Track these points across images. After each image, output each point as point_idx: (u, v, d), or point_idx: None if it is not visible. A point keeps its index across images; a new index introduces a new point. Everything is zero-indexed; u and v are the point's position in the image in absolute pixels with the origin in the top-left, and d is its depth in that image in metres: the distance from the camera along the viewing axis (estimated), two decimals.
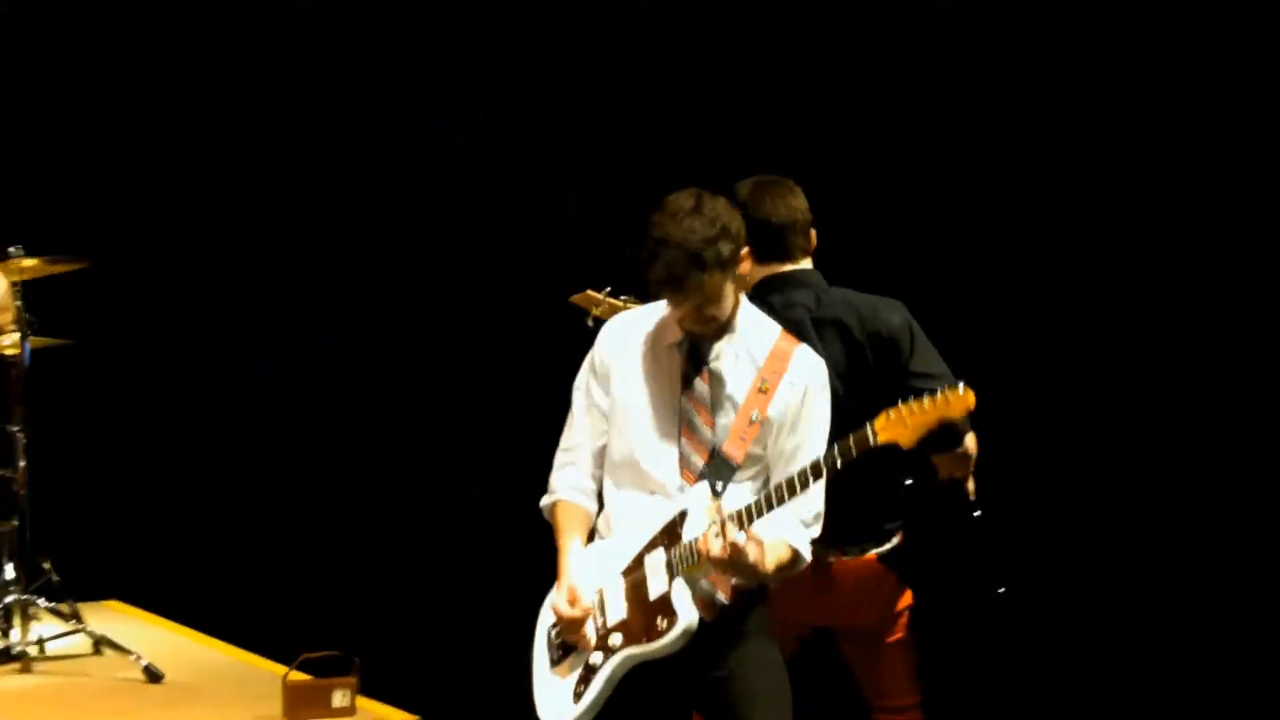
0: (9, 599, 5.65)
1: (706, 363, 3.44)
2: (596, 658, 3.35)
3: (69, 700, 5.24)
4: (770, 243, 3.91)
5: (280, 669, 5.26)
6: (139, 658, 5.51)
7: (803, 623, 4.01)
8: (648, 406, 3.48)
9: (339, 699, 5.00)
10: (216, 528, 7.26)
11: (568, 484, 3.56)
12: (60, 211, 6.81)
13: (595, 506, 3.55)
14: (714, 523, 3.24)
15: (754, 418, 3.37)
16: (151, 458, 7.35)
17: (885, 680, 4.08)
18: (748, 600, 3.39)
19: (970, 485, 3.98)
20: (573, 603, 3.39)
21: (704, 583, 3.33)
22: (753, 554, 3.20)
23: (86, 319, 6.45)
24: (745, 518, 3.24)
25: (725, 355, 3.43)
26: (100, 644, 5.68)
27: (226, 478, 7.31)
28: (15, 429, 5.69)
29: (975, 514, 3.97)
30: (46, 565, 5.91)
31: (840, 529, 3.74)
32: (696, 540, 3.27)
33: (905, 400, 3.16)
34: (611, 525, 3.50)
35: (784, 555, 3.32)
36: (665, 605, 3.29)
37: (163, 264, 7.35)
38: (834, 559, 3.91)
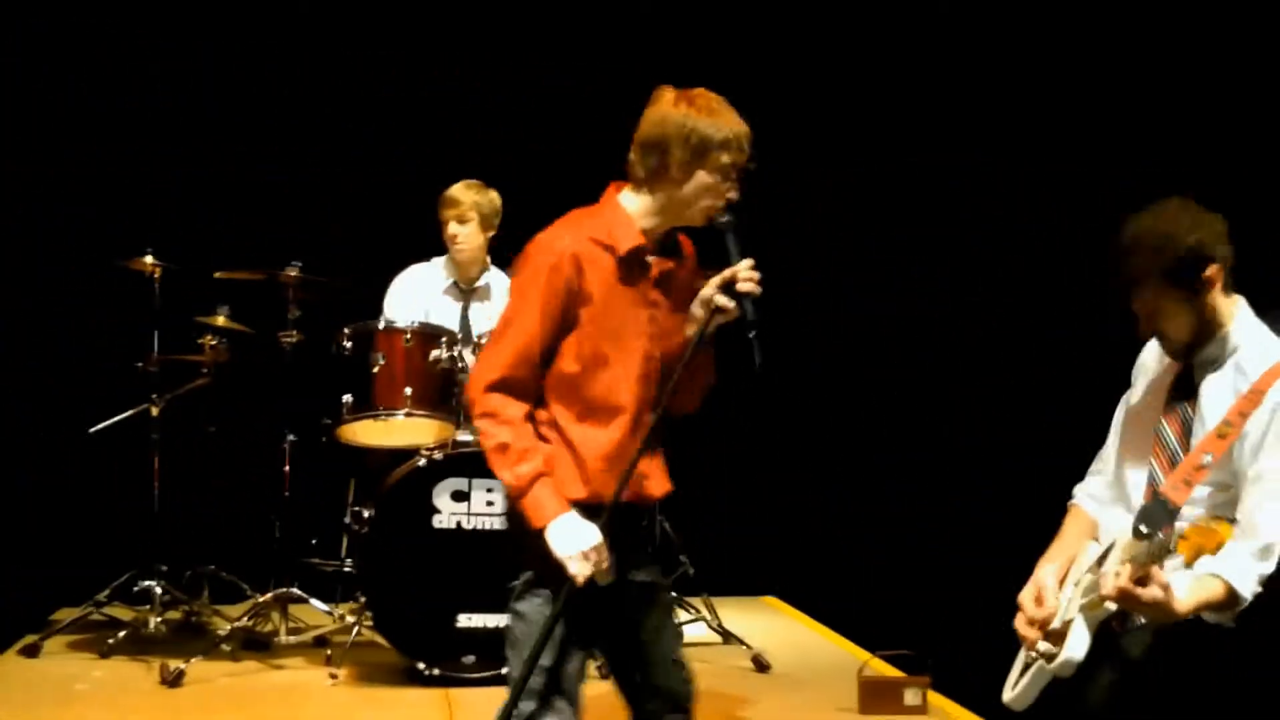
0: None
1: (1196, 387, 3.26)
2: (1029, 656, 3.31)
3: None
4: None
5: (890, 670, 5.41)
6: (750, 649, 5.84)
7: None
8: (1136, 421, 3.39)
9: (911, 697, 5.06)
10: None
11: (1085, 490, 3.52)
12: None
13: (1108, 516, 3.43)
14: (1124, 561, 3.06)
15: (1204, 461, 3.14)
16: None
17: None
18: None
19: None
20: (1036, 602, 3.32)
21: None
22: (1148, 597, 2.97)
23: None
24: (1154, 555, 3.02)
25: (1209, 383, 3.24)
26: (725, 635, 6.08)
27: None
28: None
29: None
30: (683, 559, 6.34)
31: None
32: (1102, 576, 3.11)
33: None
34: (1099, 536, 3.41)
35: (1212, 594, 3.04)
36: (1063, 633, 3.20)
37: None
38: None
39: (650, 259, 3.33)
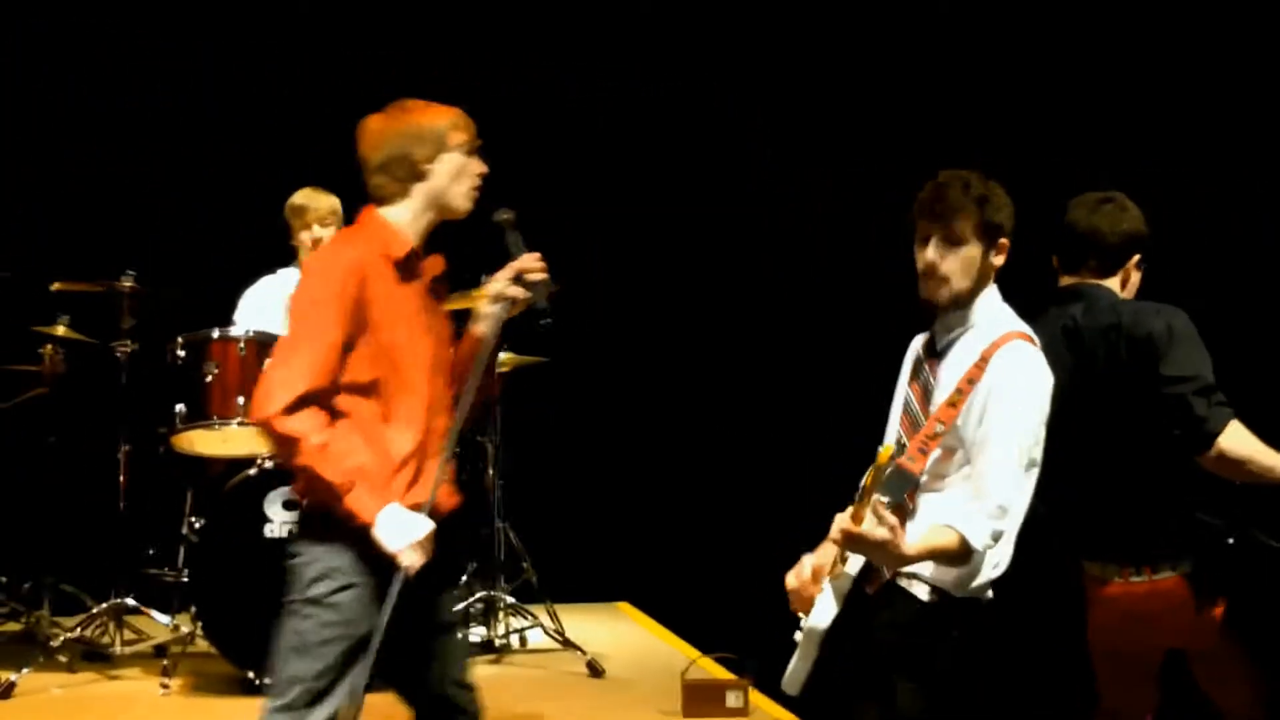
0: (478, 595, 6.24)
1: (937, 353, 3.36)
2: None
3: (510, 688, 5.67)
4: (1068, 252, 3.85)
5: (722, 673, 5.47)
6: (585, 654, 5.92)
7: (1135, 650, 3.77)
8: (899, 394, 3.48)
9: (733, 699, 5.14)
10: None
11: None
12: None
13: None
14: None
15: (937, 430, 3.23)
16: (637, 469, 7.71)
17: (1229, 705, 3.76)
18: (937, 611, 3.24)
19: None
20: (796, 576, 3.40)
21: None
22: (873, 535, 3.02)
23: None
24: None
25: (950, 351, 3.34)
26: (564, 642, 6.14)
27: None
28: (484, 439, 6.26)
29: None
30: (526, 565, 6.39)
31: (1138, 546, 3.56)
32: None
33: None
34: None
35: (944, 541, 3.11)
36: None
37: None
38: (1121, 579, 3.67)
39: (423, 263, 3.47)
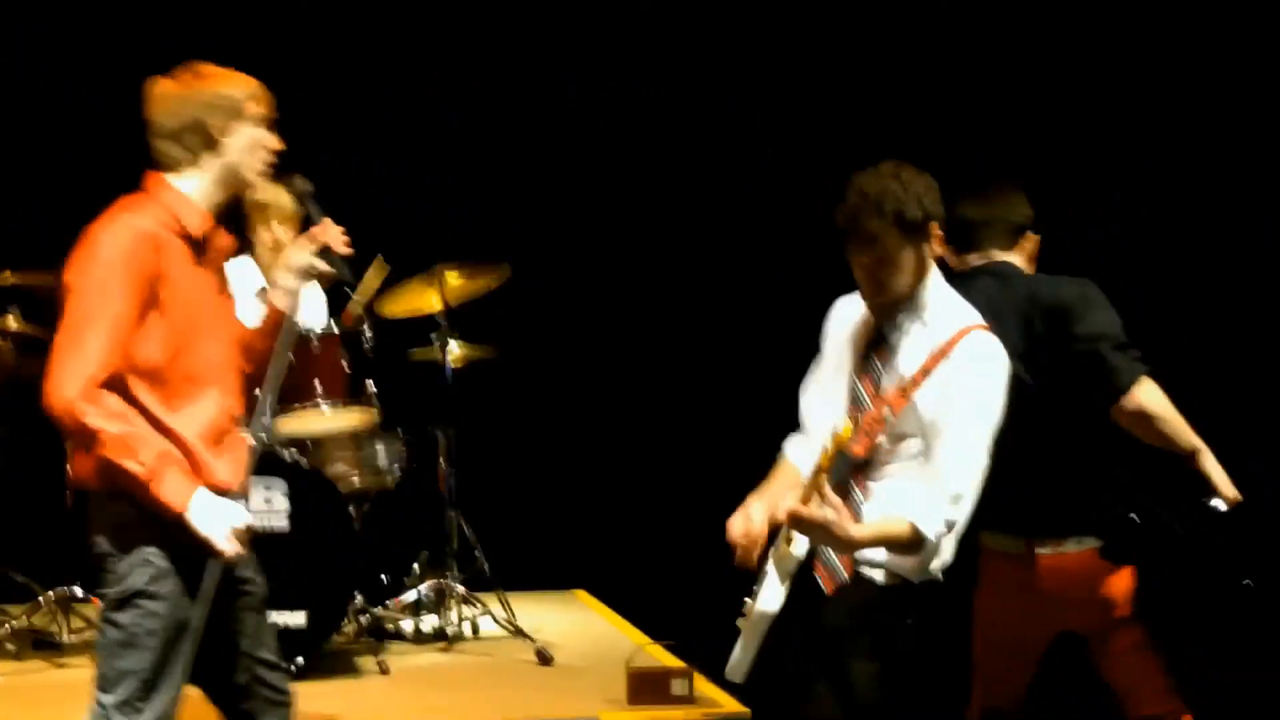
0: (426, 584, 6.27)
1: (887, 344, 3.37)
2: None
3: (458, 676, 5.75)
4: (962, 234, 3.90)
5: (671, 660, 5.48)
6: (534, 642, 5.94)
7: (1030, 629, 3.79)
8: (832, 379, 3.51)
9: (678, 687, 5.14)
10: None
11: (791, 444, 3.61)
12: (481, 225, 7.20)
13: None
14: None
15: (884, 415, 3.26)
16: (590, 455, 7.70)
17: (1131, 685, 3.78)
18: (893, 596, 3.26)
19: (1216, 475, 3.64)
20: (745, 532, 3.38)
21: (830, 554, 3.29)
22: (819, 516, 3.06)
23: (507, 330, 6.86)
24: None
25: (901, 341, 3.36)
26: (514, 630, 6.16)
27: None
28: (438, 431, 6.27)
29: (1217, 506, 3.62)
30: (478, 554, 6.39)
31: (1048, 519, 3.57)
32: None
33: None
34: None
35: (894, 529, 3.16)
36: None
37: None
38: (1046, 551, 3.69)
39: (216, 239, 3.39)
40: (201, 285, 3.32)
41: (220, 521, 3.18)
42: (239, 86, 3.34)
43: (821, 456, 3.15)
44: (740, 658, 3.35)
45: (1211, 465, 3.67)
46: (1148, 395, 3.61)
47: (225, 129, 3.29)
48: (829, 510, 3.06)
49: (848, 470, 3.25)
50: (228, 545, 3.19)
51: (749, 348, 7.58)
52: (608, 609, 7.13)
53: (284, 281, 3.45)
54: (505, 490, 7.21)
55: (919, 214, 3.30)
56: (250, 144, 3.34)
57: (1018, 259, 3.90)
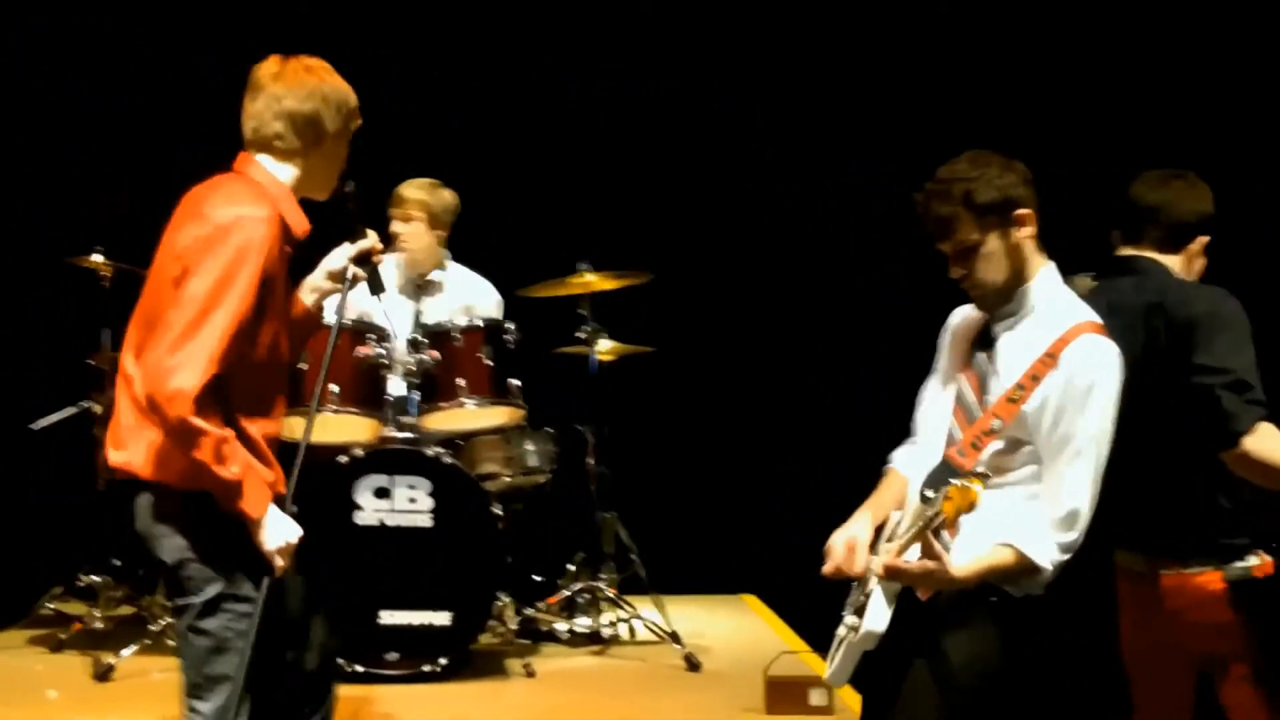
0: (578, 585, 6.18)
1: (994, 342, 3.17)
2: (841, 633, 3.25)
3: (599, 680, 5.66)
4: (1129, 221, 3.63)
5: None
6: (683, 647, 5.79)
7: (1162, 651, 3.53)
8: (941, 381, 3.31)
9: (816, 697, 4.97)
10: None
11: (900, 453, 3.41)
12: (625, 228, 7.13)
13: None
14: (909, 528, 3.01)
15: (993, 426, 3.06)
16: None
17: (1239, 717, 3.49)
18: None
19: None
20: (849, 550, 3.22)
21: None
22: (917, 569, 2.94)
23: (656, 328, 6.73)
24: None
25: (1006, 339, 3.16)
26: (669, 635, 6.00)
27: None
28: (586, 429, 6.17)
29: None
30: (634, 558, 6.28)
31: (1171, 540, 3.33)
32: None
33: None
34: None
35: (1000, 561, 2.98)
36: (865, 606, 3.11)
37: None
38: (1169, 573, 3.43)
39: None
40: (284, 292, 3.25)
41: (282, 538, 3.13)
42: (351, 94, 3.27)
43: (916, 514, 3.00)
44: (841, 666, 3.20)
45: None
46: (1259, 443, 3.28)
47: (335, 132, 3.22)
48: (927, 560, 2.94)
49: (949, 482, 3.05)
50: (280, 561, 3.14)
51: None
52: (774, 615, 6.96)
53: (322, 284, 3.37)
54: (668, 491, 7.09)
55: (993, 196, 3.09)
56: (339, 154, 3.28)
57: (1174, 260, 3.59)
